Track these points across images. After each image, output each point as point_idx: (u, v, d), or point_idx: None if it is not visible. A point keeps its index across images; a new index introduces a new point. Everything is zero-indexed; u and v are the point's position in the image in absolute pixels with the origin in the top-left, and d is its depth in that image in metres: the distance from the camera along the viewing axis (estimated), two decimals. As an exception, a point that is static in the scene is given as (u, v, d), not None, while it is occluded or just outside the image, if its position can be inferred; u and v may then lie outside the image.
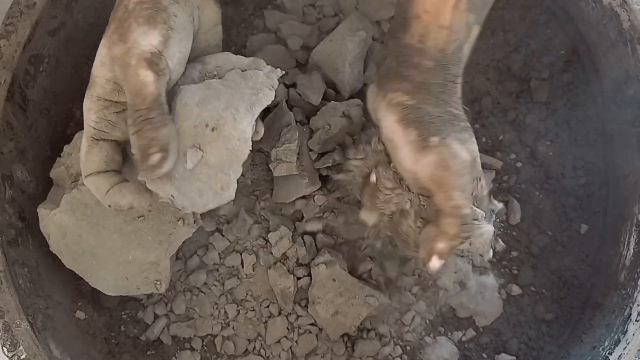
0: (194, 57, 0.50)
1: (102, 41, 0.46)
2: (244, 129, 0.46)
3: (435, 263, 0.45)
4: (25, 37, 0.52)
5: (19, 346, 0.48)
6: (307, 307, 0.60)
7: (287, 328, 0.61)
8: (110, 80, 0.45)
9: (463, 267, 0.63)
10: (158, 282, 0.56)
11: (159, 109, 0.44)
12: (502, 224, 0.64)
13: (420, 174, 0.44)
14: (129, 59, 0.43)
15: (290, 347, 0.61)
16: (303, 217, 0.61)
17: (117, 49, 0.44)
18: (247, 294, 0.61)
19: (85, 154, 0.47)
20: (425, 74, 0.44)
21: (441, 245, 0.44)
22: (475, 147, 0.45)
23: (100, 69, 0.45)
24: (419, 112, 0.43)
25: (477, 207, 0.46)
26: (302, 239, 0.61)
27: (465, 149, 0.43)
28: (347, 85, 0.62)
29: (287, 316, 0.61)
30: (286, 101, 0.62)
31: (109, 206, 0.47)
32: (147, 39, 0.44)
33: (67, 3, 0.57)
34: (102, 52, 0.45)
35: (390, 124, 0.44)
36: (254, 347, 0.61)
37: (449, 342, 0.62)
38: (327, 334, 0.60)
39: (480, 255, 0.49)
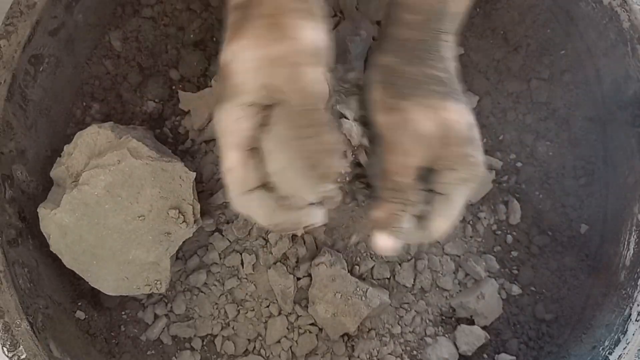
0: None
1: (249, 42, 0.40)
2: None
3: (378, 239, 0.42)
4: (25, 37, 0.52)
5: (19, 346, 0.49)
6: (307, 307, 0.60)
7: (287, 328, 0.61)
8: (265, 86, 0.40)
9: (463, 266, 0.63)
10: (158, 282, 0.56)
11: (328, 109, 0.41)
12: (502, 224, 0.64)
13: (382, 132, 0.43)
14: (297, 56, 0.39)
15: (290, 347, 0.61)
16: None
17: (280, 48, 0.40)
18: (247, 294, 0.61)
19: (243, 167, 0.41)
20: (405, 29, 0.44)
21: (376, 212, 0.42)
22: (452, 112, 0.43)
23: (257, 74, 0.40)
24: (395, 73, 0.43)
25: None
26: (303, 238, 0.61)
27: (427, 117, 0.42)
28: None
29: (287, 316, 0.61)
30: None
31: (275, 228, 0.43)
32: (310, 33, 0.40)
33: (67, 3, 0.57)
34: (256, 55, 0.40)
35: (370, 82, 0.44)
36: (254, 347, 0.61)
37: (449, 342, 0.62)
38: (327, 334, 0.60)
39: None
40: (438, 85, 0.43)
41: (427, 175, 0.44)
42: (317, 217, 0.44)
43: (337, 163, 0.41)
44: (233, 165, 0.42)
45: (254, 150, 0.42)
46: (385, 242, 0.42)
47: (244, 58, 0.40)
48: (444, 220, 0.45)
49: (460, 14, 0.45)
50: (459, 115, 0.43)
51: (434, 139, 0.42)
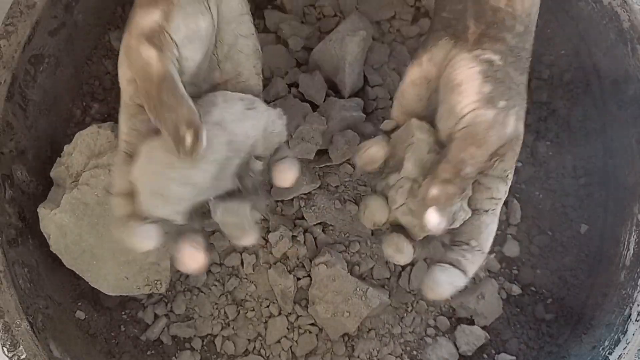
0: (227, 49, 0.47)
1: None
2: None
3: (431, 215, 0.43)
4: (25, 37, 0.52)
5: (19, 346, 0.48)
6: (307, 307, 0.60)
7: (287, 328, 0.61)
8: (131, 80, 0.41)
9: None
10: (158, 282, 0.56)
11: (171, 87, 0.40)
12: (502, 224, 0.64)
13: (466, 123, 0.43)
14: (130, 40, 0.40)
15: (290, 347, 0.61)
16: (303, 216, 0.61)
17: (124, 42, 0.41)
18: (247, 294, 0.61)
19: (117, 170, 0.43)
20: (517, 37, 0.44)
21: (434, 190, 0.43)
22: (522, 127, 0.45)
23: (120, 70, 0.42)
24: (504, 74, 0.43)
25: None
26: (304, 236, 0.60)
27: (516, 126, 0.43)
28: (347, 85, 0.62)
29: (287, 316, 0.61)
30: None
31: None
32: (147, 17, 0.40)
33: (67, 3, 0.57)
34: (120, 54, 0.42)
35: (470, 71, 0.43)
36: (254, 347, 0.61)
37: (449, 342, 0.62)
38: (327, 334, 0.60)
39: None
40: (525, 98, 0.45)
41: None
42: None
43: (191, 136, 0.40)
44: (115, 166, 0.44)
45: None
46: (436, 218, 0.43)
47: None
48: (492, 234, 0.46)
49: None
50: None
51: (507, 145, 0.44)
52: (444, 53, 0.45)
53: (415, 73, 0.47)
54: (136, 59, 0.40)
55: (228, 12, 0.46)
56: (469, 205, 0.45)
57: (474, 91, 0.43)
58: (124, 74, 0.41)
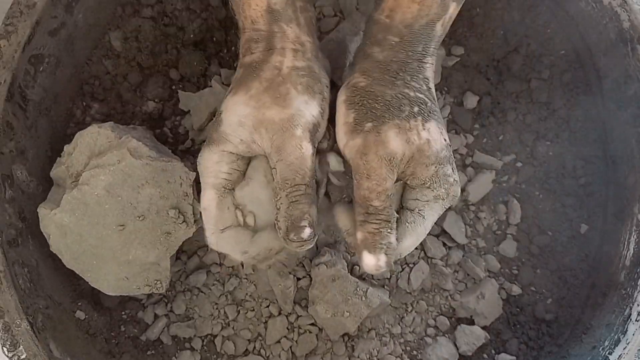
0: None
1: (241, 99, 0.43)
2: None
3: (365, 258, 0.42)
4: (25, 37, 0.52)
5: (19, 346, 0.48)
6: (307, 307, 0.60)
7: (287, 328, 0.61)
8: (244, 142, 0.43)
9: (463, 266, 0.63)
10: (158, 282, 0.56)
11: (313, 185, 0.43)
12: (502, 224, 0.64)
13: (348, 158, 0.43)
14: (293, 128, 0.42)
15: (290, 347, 0.61)
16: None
17: (273, 113, 0.42)
18: (247, 294, 0.61)
19: (217, 207, 0.45)
20: (387, 51, 0.43)
21: (359, 235, 0.42)
22: (429, 131, 0.42)
23: (238, 129, 0.43)
24: (366, 95, 0.42)
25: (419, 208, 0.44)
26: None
27: (399, 139, 0.42)
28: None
29: (287, 316, 0.61)
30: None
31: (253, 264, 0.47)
32: (310, 109, 0.42)
33: (67, 3, 0.57)
34: (243, 112, 0.43)
35: (338, 102, 0.44)
36: (254, 347, 0.61)
37: (449, 342, 0.62)
38: (327, 334, 0.60)
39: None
40: (415, 106, 0.43)
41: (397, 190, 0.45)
42: (278, 240, 0.46)
43: (308, 232, 0.43)
44: (208, 205, 0.45)
45: (230, 192, 0.45)
46: (373, 261, 0.43)
47: (234, 111, 0.43)
48: (415, 238, 0.45)
49: (443, 36, 0.45)
50: (436, 134, 0.43)
51: (407, 159, 0.42)
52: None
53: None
54: (294, 148, 0.42)
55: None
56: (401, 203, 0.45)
57: (341, 124, 0.43)
58: (242, 134, 0.43)
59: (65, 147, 0.56)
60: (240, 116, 0.43)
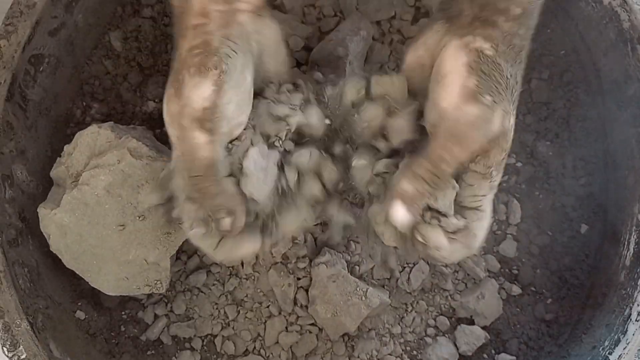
0: (268, 81, 0.47)
1: (165, 94, 0.43)
2: None
3: (397, 209, 0.42)
4: (25, 37, 0.52)
5: (19, 346, 0.49)
6: (307, 307, 0.60)
7: (287, 328, 0.61)
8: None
9: (463, 266, 0.63)
10: (158, 282, 0.56)
11: (214, 174, 0.42)
12: (502, 224, 0.64)
13: (448, 117, 0.41)
14: (182, 119, 0.41)
15: (290, 347, 0.61)
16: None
17: (172, 107, 0.41)
18: (247, 294, 0.61)
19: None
20: (511, 22, 0.41)
21: (405, 184, 0.42)
22: (509, 122, 0.42)
23: (169, 130, 0.43)
24: (492, 66, 0.41)
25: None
26: (304, 236, 0.60)
27: (502, 122, 0.41)
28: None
29: (287, 316, 0.61)
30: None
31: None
32: (199, 92, 0.40)
33: (67, 3, 0.57)
34: (164, 109, 0.43)
35: (456, 63, 0.41)
36: (254, 347, 0.61)
37: (449, 342, 0.62)
38: (327, 334, 0.60)
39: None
40: (516, 92, 0.42)
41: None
42: (248, 245, 0.46)
43: (228, 222, 0.43)
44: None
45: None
46: (402, 214, 0.42)
47: (164, 110, 0.43)
48: (484, 233, 0.45)
49: None
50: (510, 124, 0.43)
51: (491, 142, 0.42)
52: (438, 38, 0.44)
53: (411, 58, 0.46)
54: (186, 139, 0.41)
55: (269, 45, 0.46)
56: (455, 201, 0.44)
57: (458, 85, 0.41)
58: (171, 132, 0.42)
59: (65, 147, 0.56)
60: (164, 112, 0.43)
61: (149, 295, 0.61)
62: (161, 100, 0.63)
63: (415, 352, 0.61)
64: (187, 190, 0.43)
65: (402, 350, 0.61)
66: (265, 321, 0.61)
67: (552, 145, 0.65)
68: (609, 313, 0.58)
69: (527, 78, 0.65)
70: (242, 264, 0.61)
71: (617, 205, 0.62)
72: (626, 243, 0.59)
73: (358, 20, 0.63)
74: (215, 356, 0.61)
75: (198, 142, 0.41)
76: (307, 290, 0.60)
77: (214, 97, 0.40)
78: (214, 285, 0.61)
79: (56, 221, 0.53)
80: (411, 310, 0.62)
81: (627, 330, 0.54)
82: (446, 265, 0.63)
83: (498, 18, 0.41)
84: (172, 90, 0.41)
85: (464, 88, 0.40)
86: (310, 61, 0.64)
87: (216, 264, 0.61)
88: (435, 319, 0.62)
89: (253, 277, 0.61)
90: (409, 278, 0.62)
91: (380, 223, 0.46)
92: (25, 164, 0.56)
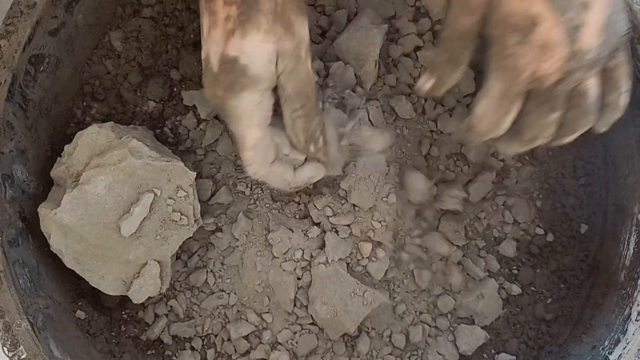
0: None
1: (258, 37, 0.45)
2: None
3: (423, 80, 0.48)
4: (25, 37, 0.52)
5: (19, 346, 0.49)
6: (307, 307, 0.60)
7: (287, 328, 0.61)
8: (275, 74, 0.47)
9: (463, 266, 0.63)
10: (158, 282, 0.56)
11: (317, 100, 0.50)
12: (502, 224, 0.64)
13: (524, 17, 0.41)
14: (300, 51, 0.47)
15: (291, 347, 0.61)
16: (307, 215, 0.61)
17: (287, 44, 0.46)
18: (247, 294, 0.61)
19: (265, 143, 0.50)
20: None
21: (459, 70, 0.47)
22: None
23: (269, 66, 0.46)
24: None
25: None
26: (306, 235, 0.60)
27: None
28: (373, 76, 0.62)
29: (287, 316, 0.61)
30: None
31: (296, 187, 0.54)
32: (305, 29, 0.47)
33: (67, 3, 0.57)
34: (268, 49, 0.46)
35: None
36: (254, 347, 0.61)
37: (449, 342, 0.62)
38: (327, 334, 0.60)
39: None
40: None
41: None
42: (318, 171, 0.55)
43: (320, 139, 0.51)
44: (256, 143, 0.49)
45: (270, 127, 0.50)
46: (426, 78, 0.50)
47: (259, 52, 0.45)
48: None
49: None
50: None
51: None
52: None
53: None
54: (303, 68, 0.48)
55: None
56: None
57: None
58: (272, 69, 0.47)
59: (65, 147, 0.56)
60: (267, 54, 0.46)
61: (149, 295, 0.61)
62: (161, 101, 0.63)
63: (415, 352, 0.61)
64: (298, 113, 0.49)
65: (402, 350, 0.61)
66: (265, 321, 0.61)
67: (552, 145, 0.65)
68: (609, 313, 0.58)
69: None
70: (242, 264, 0.61)
71: (617, 205, 0.62)
72: (626, 243, 0.59)
73: (374, 15, 0.63)
74: (215, 356, 0.61)
75: (311, 69, 0.48)
76: (307, 290, 0.60)
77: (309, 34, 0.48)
78: (214, 285, 0.61)
79: (56, 221, 0.53)
80: (411, 310, 0.62)
81: (627, 330, 0.54)
82: (446, 265, 0.63)
83: None
84: (281, 30, 0.45)
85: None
86: (328, 52, 0.63)
87: (216, 263, 0.61)
88: (435, 319, 0.62)
89: (253, 277, 0.61)
90: (409, 278, 0.62)
91: None
92: (25, 164, 0.56)
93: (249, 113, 0.48)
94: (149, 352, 0.61)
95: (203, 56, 0.48)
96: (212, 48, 0.47)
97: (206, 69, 0.48)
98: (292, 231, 0.60)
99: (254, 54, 0.46)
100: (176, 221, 0.55)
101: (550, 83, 0.43)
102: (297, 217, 0.62)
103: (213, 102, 0.49)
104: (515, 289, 0.63)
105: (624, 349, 0.53)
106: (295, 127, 0.50)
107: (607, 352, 0.55)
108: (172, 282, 0.60)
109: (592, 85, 0.44)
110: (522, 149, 0.50)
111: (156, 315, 0.61)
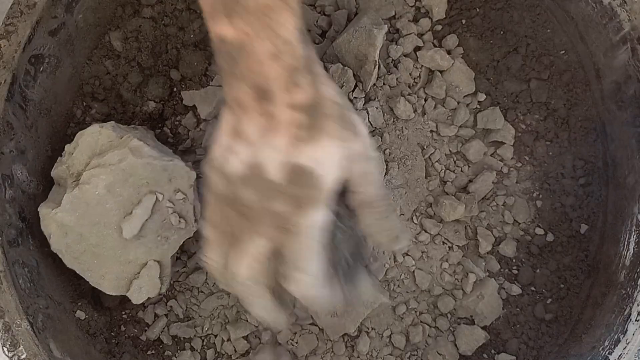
0: None
1: (327, 143, 0.39)
2: None
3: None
4: (25, 37, 0.52)
5: (19, 346, 0.49)
6: (307, 307, 0.60)
7: (287, 328, 0.61)
8: (338, 180, 0.41)
9: (463, 266, 0.63)
10: (158, 282, 0.56)
11: None
12: (502, 224, 0.64)
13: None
14: (370, 151, 0.42)
15: (291, 347, 0.61)
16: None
17: (357, 146, 0.41)
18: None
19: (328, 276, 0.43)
20: None
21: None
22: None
23: (338, 174, 0.40)
24: None
25: None
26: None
27: None
28: (374, 77, 0.62)
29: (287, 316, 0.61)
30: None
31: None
32: (366, 130, 0.43)
33: (67, 3, 0.57)
34: (338, 155, 0.40)
35: None
36: (254, 347, 0.61)
37: (449, 342, 0.62)
38: (327, 334, 0.60)
39: None
40: None
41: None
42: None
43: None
44: (321, 267, 0.42)
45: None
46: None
47: (330, 160, 0.40)
48: None
49: None
50: None
51: None
52: None
53: None
54: (375, 169, 0.43)
55: None
56: None
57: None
58: (338, 174, 0.41)
59: (66, 146, 0.56)
60: (338, 160, 0.40)
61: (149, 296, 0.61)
62: (161, 101, 0.63)
63: (415, 353, 0.61)
64: (372, 219, 0.45)
65: (402, 350, 0.61)
66: (266, 321, 0.61)
67: (552, 145, 0.65)
68: (609, 313, 0.58)
69: (527, 78, 0.65)
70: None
71: (617, 205, 0.62)
72: (626, 243, 0.59)
73: (375, 15, 0.63)
74: (215, 356, 0.61)
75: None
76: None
77: None
78: (214, 285, 0.61)
79: (57, 221, 0.53)
80: (411, 310, 0.62)
81: (626, 330, 0.54)
82: (446, 265, 0.63)
83: None
84: (348, 134, 0.41)
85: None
86: (328, 52, 0.63)
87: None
88: (435, 319, 0.62)
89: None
90: (409, 278, 0.62)
91: None
92: (25, 164, 0.56)
93: (314, 236, 0.41)
94: (148, 352, 0.61)
95: (246, 162, 0.40)
96: (271, 155, 0.39)
97: (254, 177, 0.40)
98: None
99: (325, 163, 0.40)
100: (176, 221, 0.55)
101: None
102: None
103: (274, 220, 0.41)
104: (515, 289, 0.63)
105: (624, 349, 0.53)
106: (385, 225, 0.45)
107: (607, 352, 0.55)
108: (172, 282, 0.60)
109: None
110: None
111: (156, 316, 0.61)
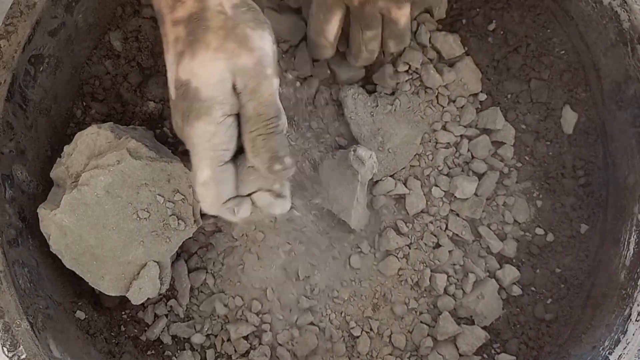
0: None
1: (207, 56, 0.41)
2: None
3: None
4: (25, 37, 0.52)
5: (19, 346, 0.48)
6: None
7: (287, 328, 0.61)
8: (232, 95, 0.42)
9: (464, 266, 0.63)
10: (158, 282, 0.56)
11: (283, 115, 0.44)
12: (502, 224, 0.64)
13: None
14: (264, 68, 0.42)
15: (291, 347, 0.61)
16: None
17: (245, 60, 0.41)
18: (246, 294, 0.61)
19: (216, 183, 0.44)
20: None
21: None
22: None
23: (223, 86, 0.42)
24: None
25: None
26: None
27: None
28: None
29: (287, 316, 0.61)
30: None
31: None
32: (267, 42, 0.42)
33: (67, 3, 0.57)
34: (219, 67, 0.41)
35: None
36: (254, 348, 0.61)
37: (449, 342, 0.61)
38: (327, 334, 0.60)
39: None
40: None
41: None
42: (282, 205, 0.48)
43: (289, 160, 0.44)
44: (207, 180, 0.44)
45: (230, 163, 0.44)
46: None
47: (209, 72, 0.41)
48: None
49: None
50: None
51: None
52: None
53: None
54: (267, 87, 0.43)
55: None
56: None
57: None
58: (228, 90, 0.42)
59: (65, 147, 0.56)
60: (219, 73, 0.41)
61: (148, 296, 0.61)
62: (161, 101, 0.63)
63: (415, 352, 0.61)
64: (254, 135, 0.44)
65: (402, 350, 0.61)
66: (265, 322, 0.61)
67: (552, 145, 0.65)
68: (609, 313, 0.58)
69: (527, 78, 0.65)
70: (242, 264, 0.61)
71: (617, 205, 0.62)
72: (626, 243, 0.59)
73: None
74: (215, 356, 0.61)
75: (276, 87, 0.44)
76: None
77: (275, 47, 0.44)
78: (214, 285, 0.61)
79: (56, 221, 0.53)
80: (411, 310, 0.62)
81: (627, 330, 0.54)
82: (446, 265, 0.63)
83: None
84: (233, 45, 0.41)
85: None
86: None
87: (216, 263, 0.61)
88: (435, 319, 0.62)
89: (253, 277, 0.61)
90: (409, 278, 0.62)
91: None
92: (25, 164, 0.56)
93: (202, 145, 0.43)
94: (148, 353, 0.61)
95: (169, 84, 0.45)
96: (168, 73, 0.43)
97: (170, 97, 0.45)
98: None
99: (203, 75, 0.41)
100: (176, 221, 0.55)
101: (357, 4, 0.52)
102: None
103: (177, 133, 0.45)
104: (515, 289, 0.63)
105: (624, 349, 0.53)
106: (256, 146, 0.43)
107: (607, 352, 0.55)
108: (172, 282, 0.60)
109: (400, 15, 0.53)
110: (357, 64, 0.58)
111: (156, 316, 0.61)
